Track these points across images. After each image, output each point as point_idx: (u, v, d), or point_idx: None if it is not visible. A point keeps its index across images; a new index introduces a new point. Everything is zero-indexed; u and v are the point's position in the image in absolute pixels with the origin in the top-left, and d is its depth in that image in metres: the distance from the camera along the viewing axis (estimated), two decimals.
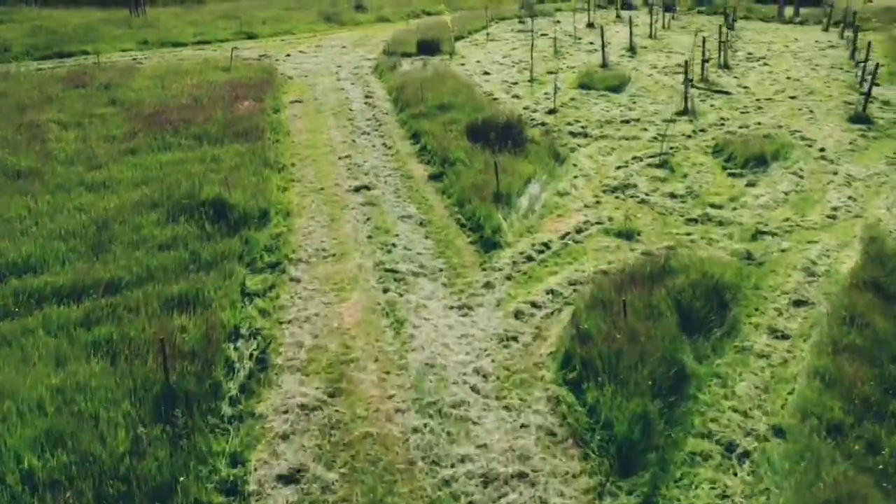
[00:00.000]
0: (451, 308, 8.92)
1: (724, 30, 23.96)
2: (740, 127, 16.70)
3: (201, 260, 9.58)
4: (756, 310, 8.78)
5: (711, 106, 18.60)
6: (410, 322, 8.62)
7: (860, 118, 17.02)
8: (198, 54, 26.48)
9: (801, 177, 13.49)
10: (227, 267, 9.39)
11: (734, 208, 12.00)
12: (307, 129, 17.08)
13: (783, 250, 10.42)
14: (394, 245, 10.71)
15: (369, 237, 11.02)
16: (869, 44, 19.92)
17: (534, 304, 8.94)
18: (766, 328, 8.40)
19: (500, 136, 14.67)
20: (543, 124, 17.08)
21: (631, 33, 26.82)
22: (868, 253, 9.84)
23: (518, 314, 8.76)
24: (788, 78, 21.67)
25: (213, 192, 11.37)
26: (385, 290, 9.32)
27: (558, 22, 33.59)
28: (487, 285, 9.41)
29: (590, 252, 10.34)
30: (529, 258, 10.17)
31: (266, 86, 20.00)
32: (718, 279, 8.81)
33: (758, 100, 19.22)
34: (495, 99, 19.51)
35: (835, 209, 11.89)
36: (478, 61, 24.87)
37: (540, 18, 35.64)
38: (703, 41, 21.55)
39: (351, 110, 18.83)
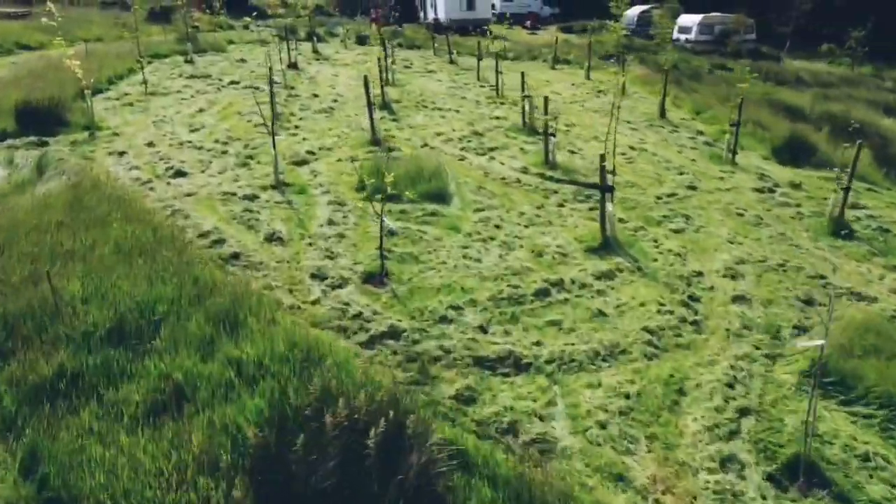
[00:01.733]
0: None
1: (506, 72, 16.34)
2: (734, 299, 8.55)
3: None
4: None
5: (625, 227, 10.38)
6: None
7: (842, 226, 10.50)
8: None
9: None
10: None
11: None
12: None
13: None
14: None
15: None
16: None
17: None
18: None
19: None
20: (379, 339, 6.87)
21: (381, 79, 17.52)
22: None
23: None
24: (633, 148, 14.79)
25: None
26: None
27: (243, 61, 22.66)
28: None
29: None
30: None
31: None
32: None
33: (659, 198, 11.65)
34: (236, 257, 8.49)
35: None
36: (149, 143, 12.91)
37: (212, 55, 24.16)
38: (528, 99, 13.24)
39: None
